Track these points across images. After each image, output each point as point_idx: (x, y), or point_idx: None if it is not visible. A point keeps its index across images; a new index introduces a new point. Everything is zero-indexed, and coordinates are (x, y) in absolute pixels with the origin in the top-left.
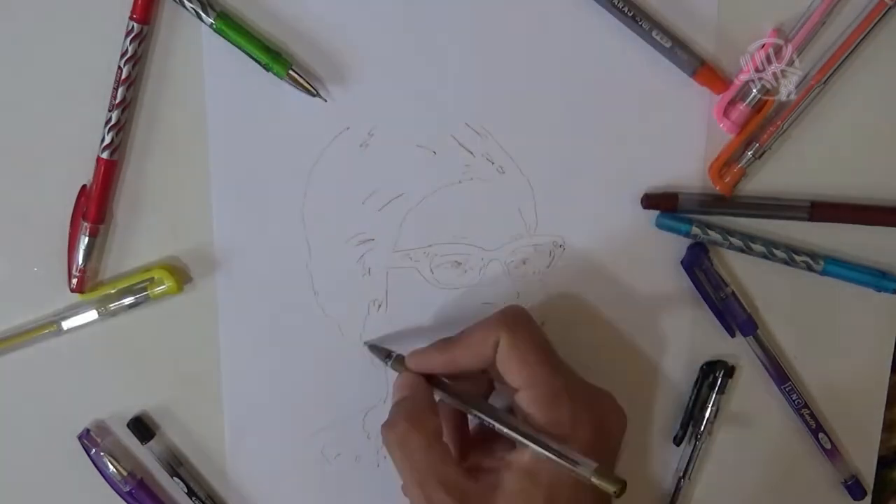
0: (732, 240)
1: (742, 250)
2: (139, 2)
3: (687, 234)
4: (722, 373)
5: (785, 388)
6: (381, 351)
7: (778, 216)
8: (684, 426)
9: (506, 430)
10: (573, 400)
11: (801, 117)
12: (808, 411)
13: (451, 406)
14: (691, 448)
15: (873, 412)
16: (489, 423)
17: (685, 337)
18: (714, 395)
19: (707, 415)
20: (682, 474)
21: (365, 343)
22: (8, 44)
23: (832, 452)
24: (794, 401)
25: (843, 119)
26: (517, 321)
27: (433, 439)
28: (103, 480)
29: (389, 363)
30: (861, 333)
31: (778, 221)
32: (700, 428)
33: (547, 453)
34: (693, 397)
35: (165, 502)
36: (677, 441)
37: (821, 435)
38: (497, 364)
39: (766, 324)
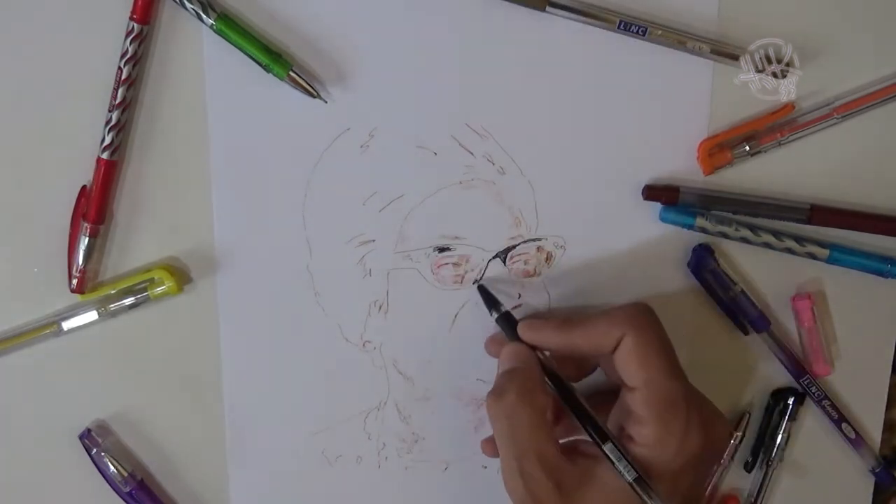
0: (740, 228)
1: (747, 241)
2: (139, 2)
3: (691, 227)
4: (793, 399)
5: (803, 382)
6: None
7: (777, 217)
8: (755, 453)
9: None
10: (689, 410)
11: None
12: (828, 402)
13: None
14: (762, 475)
15: (874, 412)
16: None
17: (690, 336)
18: (785, 422)
19: (778, 441)
20: (754, 499)
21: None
22: (8, 44)
23: (857, 442)
24: (813, 393)
25: (848, 128)
26: (645, 321)
27: (540, 417)
28: (103, 480)
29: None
30: (864, 328)
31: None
32: (771, 455)
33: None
34: (764, 424)
35: (165, 503)
36: (749, 468)
37: (844, 425)
38: (616, 360)
39: (777, 320)
